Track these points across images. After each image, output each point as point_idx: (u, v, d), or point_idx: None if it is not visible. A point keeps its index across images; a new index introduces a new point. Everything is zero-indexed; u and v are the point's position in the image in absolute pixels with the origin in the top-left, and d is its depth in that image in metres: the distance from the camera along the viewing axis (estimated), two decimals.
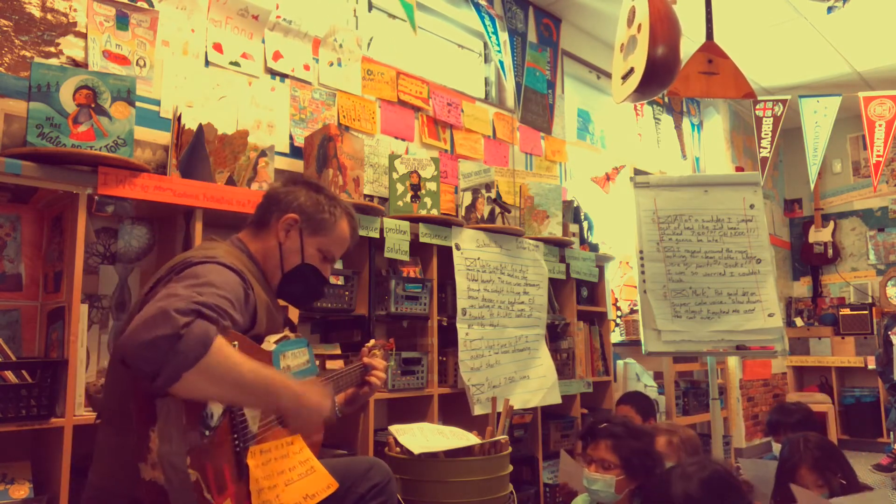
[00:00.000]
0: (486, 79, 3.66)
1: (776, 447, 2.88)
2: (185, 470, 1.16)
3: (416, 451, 2.06)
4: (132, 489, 1.24)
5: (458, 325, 2.84)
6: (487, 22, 3.67)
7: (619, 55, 3.06)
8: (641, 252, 3.49)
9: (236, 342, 1.28)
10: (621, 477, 2.06)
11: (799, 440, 2.13)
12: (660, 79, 2.79)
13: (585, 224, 3.90)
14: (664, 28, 2.74)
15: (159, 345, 1.12)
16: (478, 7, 3.64)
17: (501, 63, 3.77)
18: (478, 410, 2.79)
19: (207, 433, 1.23)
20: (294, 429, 1.39)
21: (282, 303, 1.71)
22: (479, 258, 3.00)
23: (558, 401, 3.23)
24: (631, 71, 2.87)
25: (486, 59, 3.64)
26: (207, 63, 2.54)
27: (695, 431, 2.71)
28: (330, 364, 2.37)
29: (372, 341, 1.97)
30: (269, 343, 1.46)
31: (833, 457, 2.09)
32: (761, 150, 4.77)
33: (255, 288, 1.47)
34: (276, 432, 1.44)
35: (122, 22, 2.31)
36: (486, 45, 3.63)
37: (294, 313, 2.32)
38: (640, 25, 2.82)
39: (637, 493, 2.09)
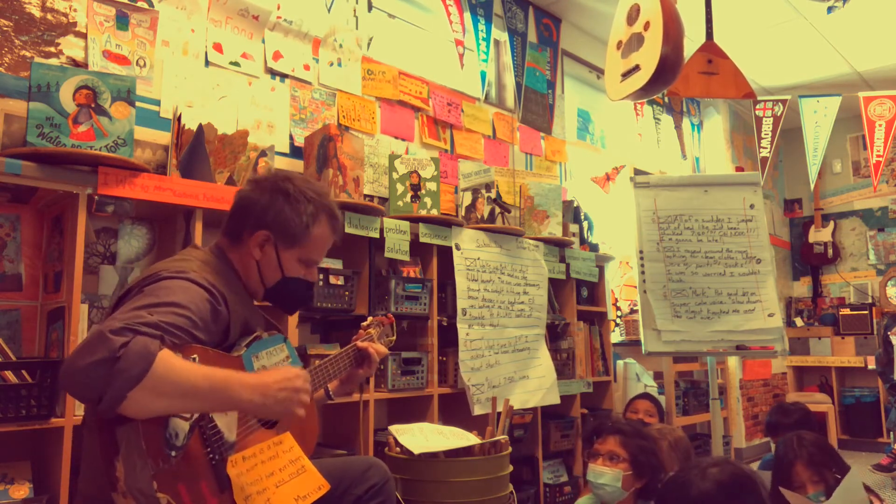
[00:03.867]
0: (485, 79, 3.66)
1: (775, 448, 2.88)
2: (154, 495, 1.14)
3: (416, 451, 2.06)
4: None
5: (459, 325, 2.84)
6: (482, 26, 3.67)
7: (616, 53, 3.06)
8: (641, 252, 3.49)
9: (195, 356, 1.25)
10: (628, 473, 2.06)
11: (793, 438, 2.14)
12: (667, 77, 2.79)
13: (585, 224, 3.90)
14: (674, 26, 2.74)
15: (97, 369, 1.08)
16: (473, 10, 3.64)
17: (484, 73, 3.78)
18: (478, 410, 2.79)
19: (174, 454, 1.20)
20: (273, 419, 1.31)
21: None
22: (479, 258, 3.00)
23: (557, 401, 3.23)
24: (636, 68, 2.86)
25: (487, 59, 3.65)
26: (207, 63, 2.54)
27: (692, 431, 2.71)
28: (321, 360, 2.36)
29: (369, 318, 1.89)
30: (240, 348, 1.42)
31: (828, 453, 2.10)
32: (761, 150, 4.77)
33: (230, 300, 1.41)
34: (259, 435, 1.40)
35: (122, 22, 2.31)
36: (491, 44, 3.64)
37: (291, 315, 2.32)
38: (647, 23, 2.81)
39: (641, 495, 2.09)
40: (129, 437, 1.15)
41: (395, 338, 1.97)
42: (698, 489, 1.70)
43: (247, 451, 1.35)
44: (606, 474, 2.08)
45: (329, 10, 2.97)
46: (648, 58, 2.78)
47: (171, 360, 1.15)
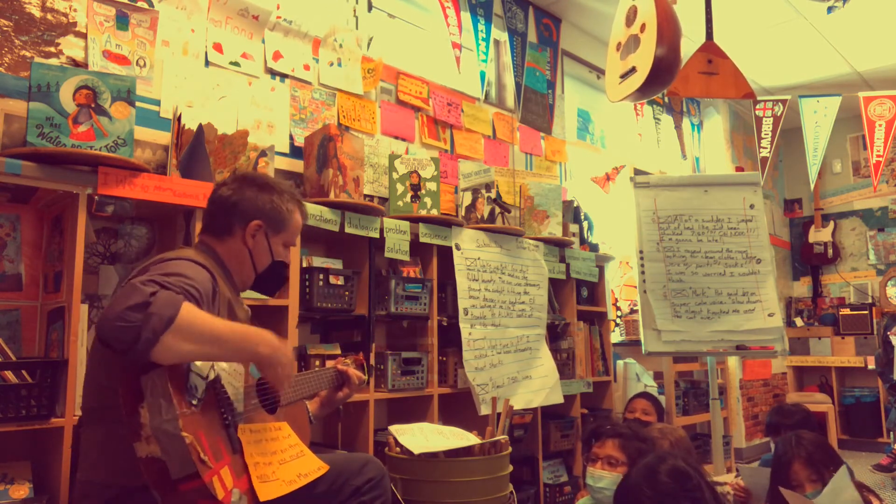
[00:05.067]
0: (485, 79, 3.66)
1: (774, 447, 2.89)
2: (179, 434, 1.19)
3: (416, 451, 2.06)
4: (119, 477, 1.27)
5: (461, 325, 2.84)
6: (481, 26, 3.67)
7: (616, 54, 3.06)
8: (641, 252, 3.49)
9: None
10: None
11: (791, 437, 2.16)
12: (663, 78, 2.79)
13: (585, 224, 3.90)
14: (669, 28, 2.74)
15: (132, 313, 1.18)
16: (473, 10, 3.64)
17: (483, 73, 3.78)
18: (484, 410, 2.78)
19: (195, 403, 1.27)
20: (269, 375, 1.42)
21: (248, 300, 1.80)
22: (479, 258, 3.00)
23: (560, 400, 3.23)
24: (632, 70, 2.87)
25: (487, 60, 3.65)
26: (207, 63, 2.54)
27: (692, 432, 2.71)
28: (330, 364, 2.37)
29: (340, 357, 2.05)
30: None
31: (826, 452, 2.11)
32: (761, 150, 4.77)
33: (221, 286, 1.54)
34: (262, 415, 1.49)
35: (122, 22, 2.31)
36: (491, 44, 3.64)
37: (293, 313, 2.32)
38: (643, 25, 2.82)
39: None
40: (154, 382, 1.22)
41: (368, 378, 2.15)
42: (649, 486, 1.71)
43: (254, 424, 1.43)
44: (605, 478, 2.08)
45: (329, 11, 2.97)
46: (644, 59, 2.79)
47: (195, 308, 1.26)
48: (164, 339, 1.18)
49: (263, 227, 1.67)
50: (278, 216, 1.69)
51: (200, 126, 2.24)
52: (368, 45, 3.15)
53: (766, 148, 4.75)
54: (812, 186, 5.17)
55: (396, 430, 2.20)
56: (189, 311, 1.23)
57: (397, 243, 2.67)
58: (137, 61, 2.34)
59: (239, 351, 1.35)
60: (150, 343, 1.17)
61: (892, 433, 4.94)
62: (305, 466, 1.47)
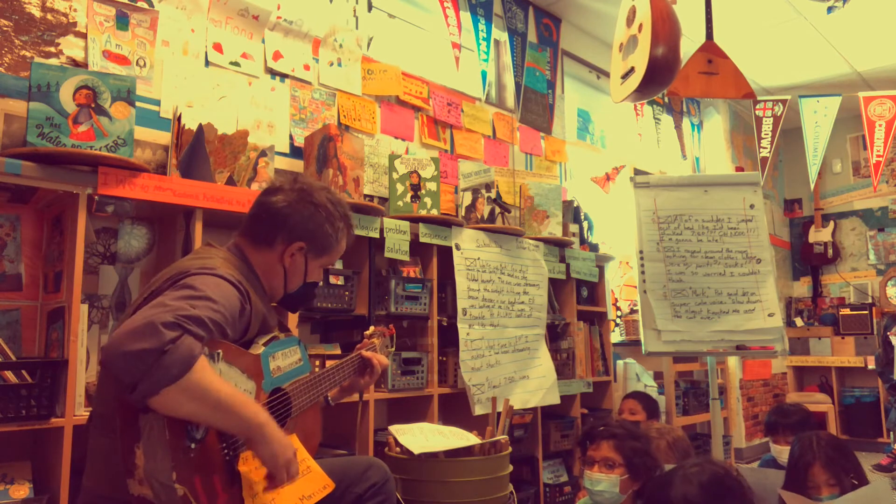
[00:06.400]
0: (486, 79, 3.66)
1: (774, 448, 2.88)
2: (172, 485, 1.16)
3: (416, 451, 2.06)
4: (125, 495, 1.24)
5: (459, 325, 2.84)
6: (482, 26, 3.67)
7: (618, 55, 3.06)
8: (641, 252, 3.49)
9: (220, 350, 1.28)
10: (625, 477, 2.06)
11: (811, 438, 2.08)
12: (660, 78, 2.79)
13: (585, 224, 3.90)
14: (666, 28, 2.74)
15: (143, 358, 1.11)
16: (473, 10, 3.64)
17: (484, 73, 3.78)
18: (478, 410, 2.79)
19: (193, 445, 1.22)
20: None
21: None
22: (479, 258, 3.00)
23: (557, 401, 3.23)
24: (631, 70, 2.87)
25: (487, 60, 3.65)
26: (207, 63, 2.54)
27: (692, 431, 2.71)
28: (330, 364, 2.37)
29: (371, 328, 1.97)
30: (258, 346, 1.45)
31: (846, 456, 2.04)
32: (761, 150, 4.76)
33: (253, 298, 1.46)
34: None
35: (122, 22, 2.31)
36: (492, 44, 3.64)
37: (292, 315, 2.32)
38: (640, 25, 2.82)
39: (639, 495, 2.08)
40: (152, 426, 1.17)
41: (394, 349, 2.07)
42: (682, 493, 1.69)
43: None
44: (603, 481, 2.07)
45: (329, 11, 2.97)
46: (641, 60, 2.79)
47: (206, 369, 1.20)
48: (166, 392, 1.13)
49: (305, 249, 1.60)
50: (325, 241, 1.63)
51: (200, 126, 2.24)
52: (368, 45, 3.15)
53: (766, 148, 4.75)
54: (812, 186, 5.17)
55: (396, 430, 2.20)
56: (199, 372, 1.17)
57: (397, 243, 2.67)
58: (137, 61, 2.34)
59: (231, 423, 1.27)
60: (149, 393, 1.13)
61: (892, 433, 4.94)
62: (309, 487, 1.43)
